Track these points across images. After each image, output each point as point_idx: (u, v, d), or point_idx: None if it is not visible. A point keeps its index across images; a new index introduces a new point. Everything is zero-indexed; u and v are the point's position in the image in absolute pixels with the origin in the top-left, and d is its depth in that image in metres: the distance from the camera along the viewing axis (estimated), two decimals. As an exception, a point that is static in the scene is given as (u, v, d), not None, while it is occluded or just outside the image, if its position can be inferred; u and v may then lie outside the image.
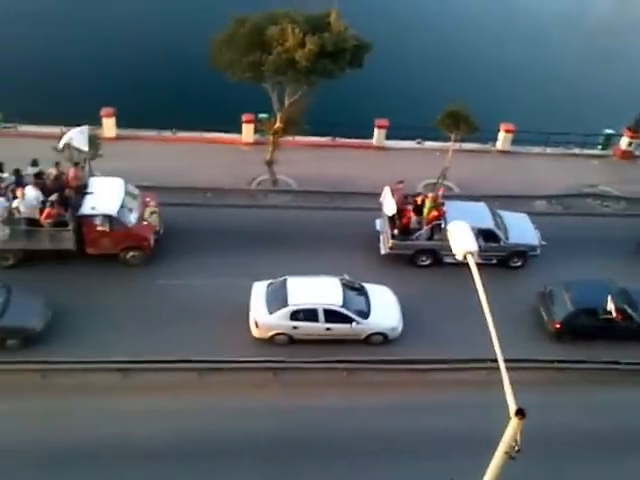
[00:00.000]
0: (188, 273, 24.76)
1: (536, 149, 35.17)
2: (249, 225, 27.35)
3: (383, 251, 26.31)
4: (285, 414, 20.48)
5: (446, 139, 30.06)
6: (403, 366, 22.14)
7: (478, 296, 11.57)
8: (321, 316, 22.30)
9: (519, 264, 26.68)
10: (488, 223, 26.02)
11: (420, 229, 25.80)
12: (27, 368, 20.95)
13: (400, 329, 23.15)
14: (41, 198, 24.05)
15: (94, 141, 27.04)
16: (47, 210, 23.53)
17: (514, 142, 34.86)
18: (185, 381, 21.25)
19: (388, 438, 20.02)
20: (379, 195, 27.45)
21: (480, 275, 11.71)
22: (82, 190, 24.81)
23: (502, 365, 11.05)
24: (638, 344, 23.58)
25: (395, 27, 45.73)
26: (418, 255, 26.15)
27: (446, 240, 22.87)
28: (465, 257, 12.29)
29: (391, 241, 25.77)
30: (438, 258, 25.89)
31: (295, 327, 22.50)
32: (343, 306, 22.42)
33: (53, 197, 24.07)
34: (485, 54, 46.91)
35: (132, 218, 24.82)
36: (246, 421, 20.17)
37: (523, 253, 26.50)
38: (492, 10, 53.31)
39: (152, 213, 25.81)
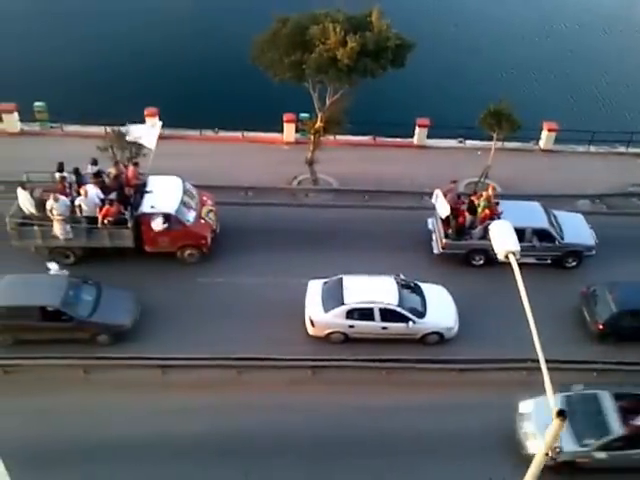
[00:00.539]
0: (229, 271, 25.02)
1: (580, 148, 34.59)
2: (290, 224, 27.42)
3: (436, 250, 26.18)
4: (323, 412, 20.55)
5: (488, 138, 29.82)
6: (443, 365, 22.10)
7: (528, 296, 11.59)
8: (377, 315, 22.35)
9: (574, 264, 26.35)
10: (543, 223, 25.82)
11: (474, 228, 25.65)
12: (69, 364, 21.35)
13: (456, 329, 23.09)
14: (101, 196, 24.56)
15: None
16: (106, 207, 23.99)
17: (558, 141, 34.30)
18: (224, 379, 21.47)
19: (427, 438, 20.00)
20: (420, 194, 27.39)
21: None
22: (141, 189, 25.26)
23: (543, 366, 10.97)
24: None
25: (437, 25, 45.50)
26: (472, 255, 25.97)
27: None
28: (507, 257, 12.24)
29: (444, 240, 25.64)
30: (491, 257, 25.47)
31: (351, 326, 22.61)
32: (399, 305, 22.42)
33: (112, 195, 24.58)
34: (528, 52, 46.26)
35: (190, 217, 25.17)
36: (284, 419, 20.27)
37: (579, 253, 26.17)
38: (536, 7, 52.59)
39: (209, 212, 26.16)
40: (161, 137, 31.94)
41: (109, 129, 28.44)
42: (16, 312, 21.43)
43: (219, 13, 46.07)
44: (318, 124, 28.62)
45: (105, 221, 23.99)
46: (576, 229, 26.54)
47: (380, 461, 19.45)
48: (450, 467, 19.29)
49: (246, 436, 19.77)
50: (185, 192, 25.56)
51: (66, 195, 24.46)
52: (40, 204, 24.18)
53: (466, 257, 26.03)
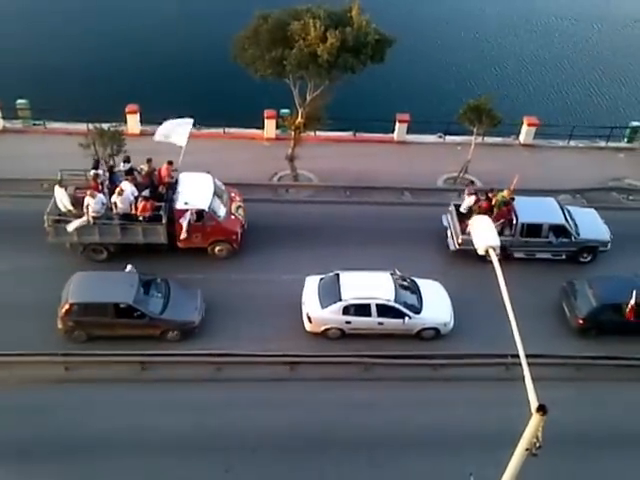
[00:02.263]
0: (208, 267, 25.08)
1: (560, 142, 34.77)
2: (272, 219, 27.41)
3: (452, 247, 26.28)
4: (302, 408, 20.62)
5: (468, 133, 29.98)
6: (422, 361, 22.20)
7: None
8: (374, 311, 22.46)
9: (588, 259, 26.60)
10: (560, 218, 26.04)
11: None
12: (50, 360, 21.26)
13: (452, 324, 23.20)
14: (136, 194, 24.75)
15: (117, 137, 27.41)
16: (143, 204, 24.18)
17: (538, 135, 34.50)
18: (203, 375, 21.50)
19: (407, 433, 20.14)
20: (401, 190, 27.56)
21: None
22: (173, 186, 25.50)
23: (524, 361, 11.07)
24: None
25: (417, 21, 45.65)
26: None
27: (517, 236, 23.76)
28: (487, 252, 12.36)
29: (461, 237, 25.69)
30: (508, 253, 25.69)
31: (348, 322, 22.70)
32: (395, 301, 22.52)
33: (145, 192, 24.84)
34: (509, 47, 46.73)
35: (221, 213, 25.39)
36: (263, 415, 20.33)
37: (594, 248, 26.41)
38: (516, 3, 52.93)
39: (238, 208, 26.39)
40: (142, 134, 32.21)
41: (91, 126, 28.32)
42: (90, 309, 21.77)
43: (200, 10, 46.00)
44: (299, 120, 28.64)
45: (141, 217, 24.24)
46: (591, 224, 26.75)
47: (361, 455, 19.56)
48: (432, 461, 19.37)
49: (226, 432, 19.80)
50: (216, 188, 25.78)
51: (99, 192, 24.64)
52: (74, 201, 24.51)
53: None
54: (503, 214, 25.56)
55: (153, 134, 32.05)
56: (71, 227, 24.08)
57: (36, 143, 31.00)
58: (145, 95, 33.70)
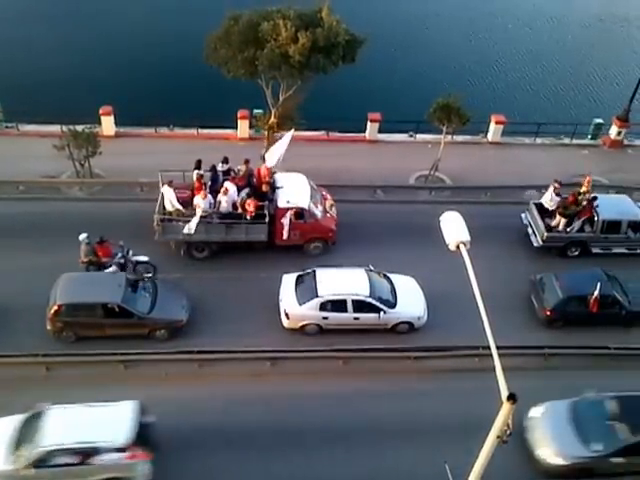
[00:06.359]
0: (192, 266, 25.30)
1: (527, 140, 35.52)
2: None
3: (536, 244, 26.99)
4: (282, 402, 20.96)
5: (438, 131, 30.48)
6: (397, 354, 22.63)
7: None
8: (350, 306, 22.86)
9: None
10: (637, 215, 26.96)
11: (571, 223, 26.67)
12: (31, 361, 21.38)
13: (425, 318, 23.70)
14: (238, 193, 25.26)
15: (92, 139, 27.50)
16: (253, 203, 24.68)
17: (505, 133, 35.14)
18: (185, 372, 21.78)
19: (383, 424, 20.54)
20: (374, 188, 28.14)
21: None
22: (272, 185, 25.98)
23: (494, 352, 11.46)
24: (627, 330, 24.29)
25: (387, 22, 45.99)
26: (569, 246, 26.94)
27: (598, 232, 24.91)
28: (458, 247, 12.64)
29: (545, 234, 26.47)
30: (587, 249, 26.85)
31: (325, 317, 23.10)
32: (371, 296, 22.93)
33: (246, 191, 25.34)
34: (477, 47, 47.34)
35: (319, 211, 25.95)
36: (244, 410, 20.65)
37: None
38: (483, 4, 53.64)
39: (332, 206, 26.98)
40: (116, 135, 32.26)
41: (65, 128, 28.35)
42: (78, 309, 21.90)
43: (172, 11, 46.02)
44: (272, 120, 28.92)
45: (248, 216, 24.72)
46: None
47: (338, 447, 19.93)
48: (407, 452, 19.83)
49: (206, 427, 20.04)
50: (311, 188, 26.30)
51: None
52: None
53: (563, 249, 26.95)
54: (586, 211, 26.48)
55: (128, 135, 32.38)
56: (188, 229, 24.60)
57: (9, 145, 30.90)
58: (119, 96, 33.69)
